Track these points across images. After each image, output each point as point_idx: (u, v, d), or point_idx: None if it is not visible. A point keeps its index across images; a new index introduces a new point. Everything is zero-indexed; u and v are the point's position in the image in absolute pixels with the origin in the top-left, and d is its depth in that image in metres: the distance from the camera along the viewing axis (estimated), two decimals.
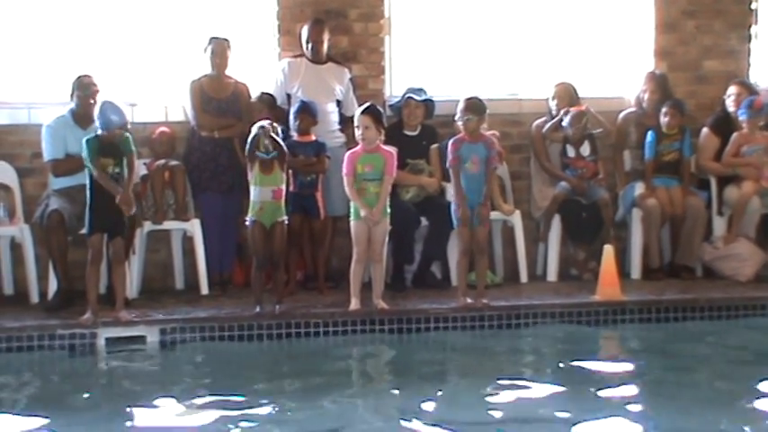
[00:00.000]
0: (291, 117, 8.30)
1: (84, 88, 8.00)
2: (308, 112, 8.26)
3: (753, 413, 5.70)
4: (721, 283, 8.45)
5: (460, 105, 7.70)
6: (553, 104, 8.90)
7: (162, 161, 8.31)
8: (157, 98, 8.82)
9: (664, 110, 8.75)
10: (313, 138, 8.28)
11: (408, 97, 8.62)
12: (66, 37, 8.71)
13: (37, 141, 8.16)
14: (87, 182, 7.31)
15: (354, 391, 6.56)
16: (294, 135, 8.23)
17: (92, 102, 7.95)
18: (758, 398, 5.93)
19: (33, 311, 7.77)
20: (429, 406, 5.88)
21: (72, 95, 8.03)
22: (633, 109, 9.10)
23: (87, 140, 7.26)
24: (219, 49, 8.46)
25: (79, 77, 8.05)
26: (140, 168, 8.20)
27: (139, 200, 8.15)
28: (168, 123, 8.61)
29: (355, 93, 8.78)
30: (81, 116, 8.02)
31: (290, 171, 7.85)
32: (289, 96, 8.63)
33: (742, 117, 8.70)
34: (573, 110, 8.67)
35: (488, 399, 6.02)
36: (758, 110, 8.66)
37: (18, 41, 8.72)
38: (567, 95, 8.88)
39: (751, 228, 8.71)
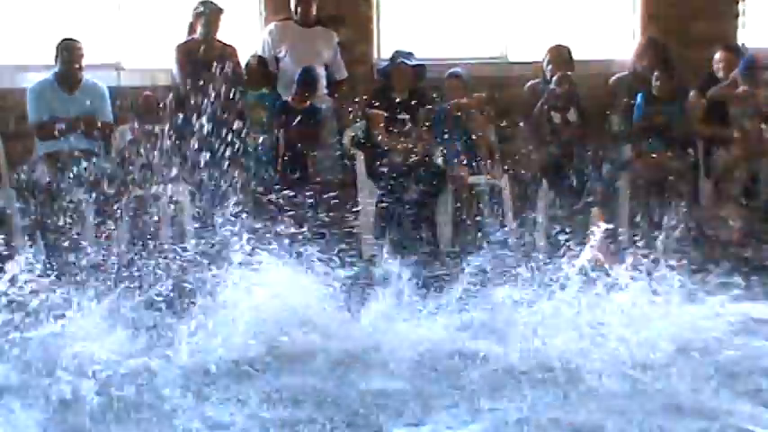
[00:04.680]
0: (295, 83, 8.26)
1: (69, 52, 7.96)
2: (311, 82, 8.23)
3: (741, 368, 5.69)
4: (707, 246, 8.46)
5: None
6: (548, 69, 8.85)
7: (148, 126, 8.27)
8: (144, 62, 8.77)
9: (656, 73, 8.72)
10: (308, 103, 8.28)
11: (400, 62, 8.57)
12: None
13: (22, 105, 8.11)
14: None
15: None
16: (289, 99, 8.24)
17: (76, 66, 7.94)
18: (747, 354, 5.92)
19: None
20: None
21: (57, 59, 7.99)
22: (625, 73, 9.07)
23: None
24: (213, 15, 8.41)
25: (64, 41, 8.01)
26: (126, 134, 8.18)
27: (126, 165, 8.15)
28: (155, 88, 8.57)
29: (342, 56, 8.75)
30: (66, 80, 8.01)
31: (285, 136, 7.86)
32: (276, 60, 8.59)
33: (743, 78, 8.63)
34: (559, 73, 8.64)
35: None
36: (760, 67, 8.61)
37: (2, 4, 8.65)
38: (562, 59, 8.83)
39: (737, 190, 8.72)
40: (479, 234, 8.36)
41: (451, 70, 8.70)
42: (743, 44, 9.22)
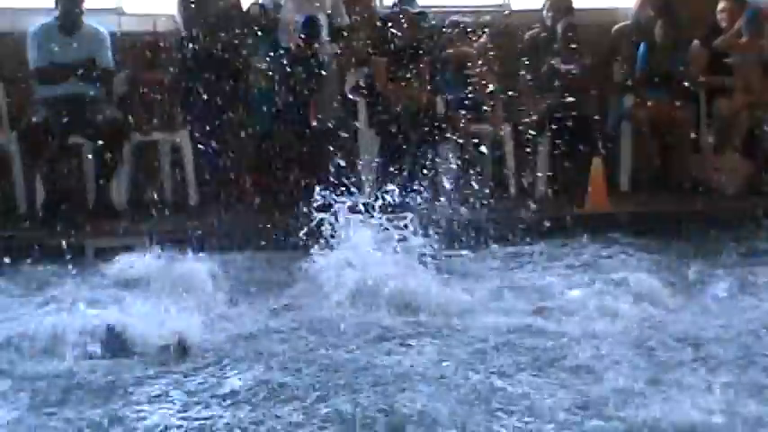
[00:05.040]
0: (298, 31, 8.23)
1: None
2: (314, 31, 8.19)
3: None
4: (709, 196, 8.46)
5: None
6: (548, 16, 8.81)
7: (149, 72, 8.23)
8: (145, 7, 8.72)
9: (659, 23, 8.68)
10: (309, 53, 8.24)
11: (403, 9, 8.52)
12: None
13: (23, 49, 8.05)
14: None
15: None
16: (292, 47, 8.19)
17: (77, 10, 7.88)
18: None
19: (21, 221, 7.78)
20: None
21: (57, 3, 7.93)
22: (628, 22, 9.04)
23: None
24: None
25: None
26: (126, 79, 8.15)
27: (127, 111, 8.12)
28: (156, 33, 8.51)
29: (344, 2, 8.69)
30: (66, 24, 7.94)
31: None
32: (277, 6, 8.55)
33: (745, 29, 8.58)
34: (564, 20, 8.60)
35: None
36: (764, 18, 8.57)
37: None
38: (562, 7, 8.78)
39: (738, 140, 8.72)
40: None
41: (453, 18, 8.66)
42: None
